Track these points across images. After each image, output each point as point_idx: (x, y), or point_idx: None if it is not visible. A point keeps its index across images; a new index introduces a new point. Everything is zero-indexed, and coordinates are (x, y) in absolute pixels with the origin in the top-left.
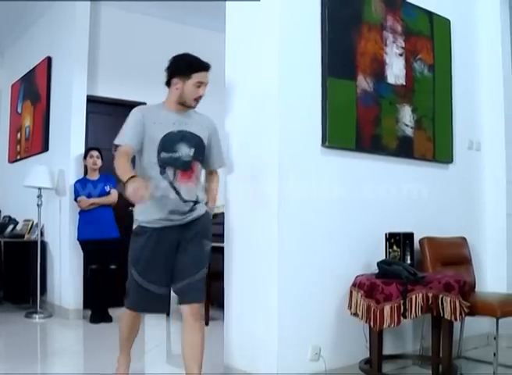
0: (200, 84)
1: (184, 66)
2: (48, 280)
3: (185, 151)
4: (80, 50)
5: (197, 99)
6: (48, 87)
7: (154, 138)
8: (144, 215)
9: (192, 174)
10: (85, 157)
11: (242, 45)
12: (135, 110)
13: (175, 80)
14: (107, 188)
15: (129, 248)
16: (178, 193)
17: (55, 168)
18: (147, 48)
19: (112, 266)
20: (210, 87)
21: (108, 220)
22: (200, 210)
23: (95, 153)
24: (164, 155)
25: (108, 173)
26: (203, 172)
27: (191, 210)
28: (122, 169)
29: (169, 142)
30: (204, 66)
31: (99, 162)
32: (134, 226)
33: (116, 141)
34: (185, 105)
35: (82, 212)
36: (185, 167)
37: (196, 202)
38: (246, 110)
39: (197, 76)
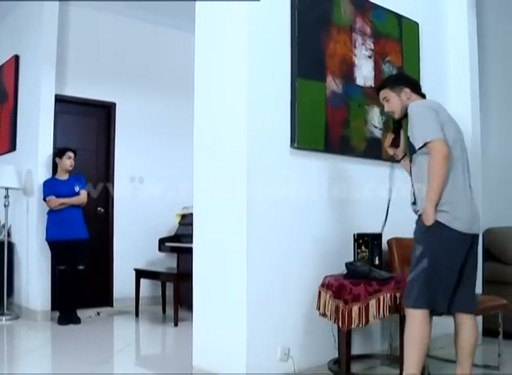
0: None
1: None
2: (15, 281)
3: None
4: (49, 48)
5: None
6: (15, 86)
7: None
8: None
9: None
10: (60, 157)
11: (211, 46)
12: None
13: (406, 90)
14: (76, 189)
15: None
16: None
17: (23, 168)
18: (117, 47)
19: (81, 267)
20: (180, 87)
21: (77, 221)
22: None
23: (72, 154)
24: None
25: (78, 174)
26: None
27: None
28: None
29: None
30: None
31: (73, 164)
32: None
33: None
34: (393, 114)
35: (50, 213)
36: None
37: None
38: (215, 111)
39: None
